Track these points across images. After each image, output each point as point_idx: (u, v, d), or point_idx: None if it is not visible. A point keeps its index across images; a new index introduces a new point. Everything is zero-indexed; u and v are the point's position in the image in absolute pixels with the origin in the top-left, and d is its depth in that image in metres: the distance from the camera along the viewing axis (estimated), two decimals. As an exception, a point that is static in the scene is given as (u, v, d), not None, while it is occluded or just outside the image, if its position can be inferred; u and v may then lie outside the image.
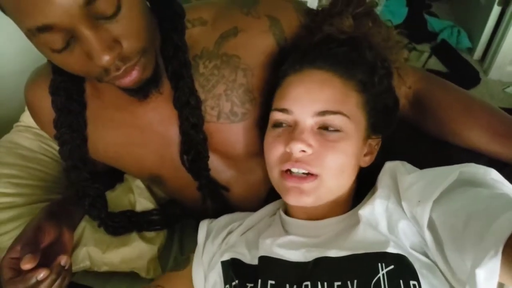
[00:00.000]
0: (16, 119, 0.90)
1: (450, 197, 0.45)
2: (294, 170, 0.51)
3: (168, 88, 0.60)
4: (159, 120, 0.63)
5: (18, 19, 0.42)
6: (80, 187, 0.66)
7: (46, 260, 0.56)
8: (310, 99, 0.51)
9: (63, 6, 0.40)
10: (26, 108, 0.91)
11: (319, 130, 0.51)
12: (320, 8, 0.60)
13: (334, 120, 0.51)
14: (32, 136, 0.84)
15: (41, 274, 0.53)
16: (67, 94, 0.61)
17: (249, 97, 0.61)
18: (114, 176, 0.80)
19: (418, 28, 2.07)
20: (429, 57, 2.01)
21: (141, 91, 0.55)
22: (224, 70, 0.60)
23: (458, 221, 0.42)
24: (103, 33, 0.43)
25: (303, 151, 0.50)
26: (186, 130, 0.61)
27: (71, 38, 0.43)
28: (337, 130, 0.51)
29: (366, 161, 0.56)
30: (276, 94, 0.57)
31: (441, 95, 0.65)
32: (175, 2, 0.59)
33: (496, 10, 1.91)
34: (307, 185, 0.51)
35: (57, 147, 0.84)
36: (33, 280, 0.53)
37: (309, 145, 0.50)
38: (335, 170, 0.51)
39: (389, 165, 0.55)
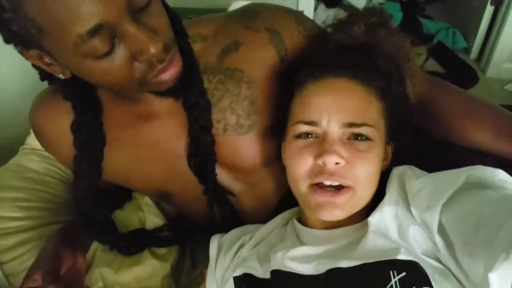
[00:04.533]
0: (20, 141, 0.91)
1: (459, 200, 0.45)
2: (327, 183, 0.50)
3: (174, 101, 0.60)
4: (166, 137, 0.63)
5: (65, 30, 0.41)
6: (88, 216, 0.66)
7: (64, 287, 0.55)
8: (338, 109, 0.50)
9: (111, 2, 0.40)
10: (31, 130, 0.91)
11: (349, 140, 0.51)
12: (334, 22, 0.61)
13: (362, 131, 0.50)
14: (38, 158, 0.84)
15: None
16: (89, 132, 0.61)
17: (254, 109, 0.61)
18: (122, 194, 0.80)
19: (414, 31, 2.10)
20: (427, 59, 2.03)
21: (175, 91, 0.54)
22: (228, 84, 0.60)
23: (468, 225, 0.42)
24: (145, 26, 0.44)
25: (337, 163, 0.49)
26: (194, 132, 0.60)
27: (115, 39, 0.44)
28: (366, 139, 0.51)
29: (385, 166, 0.56)
30: (295, 103, 0.55)
31: (443, 97, 0.66)
32: (167, 7, 0.59)
33: (489, 9, 1.94)
34: (342, 198, 0.50)
35: (64, 169, 0.85)
36: None
37: (342, 157, 0.49)
38: (367, 180, 0.51)
39: (396, 171, 0.55)
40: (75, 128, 0.61)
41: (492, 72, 2.01)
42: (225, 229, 0.68)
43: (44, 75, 0.60)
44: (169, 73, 0.50)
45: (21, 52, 0.47)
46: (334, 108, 0.51)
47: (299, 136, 0.53)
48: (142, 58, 0.45)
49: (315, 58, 0.57)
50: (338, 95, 0.51)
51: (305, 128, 0.52)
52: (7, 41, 0.45)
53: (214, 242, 0.65)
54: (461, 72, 2.00)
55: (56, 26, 0.41)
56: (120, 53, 0.45)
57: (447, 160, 0.64)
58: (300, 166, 0.51)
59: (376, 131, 0.51)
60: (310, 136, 0.52)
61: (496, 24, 1.93)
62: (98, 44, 0.42)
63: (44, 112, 0.65)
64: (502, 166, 0.47)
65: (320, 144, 0.50)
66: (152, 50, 0.44)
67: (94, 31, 0.41)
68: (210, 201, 0.67)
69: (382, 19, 0.56)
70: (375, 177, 0.53)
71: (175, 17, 0.58)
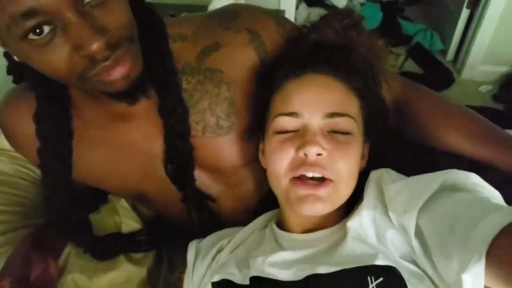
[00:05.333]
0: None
1: (435, 204, 0.45)
2: (309, 174, 0.49)
3: (150, 102, 0.59)
4: (143, 138, 0.62)
5: (1, 10, 0.40)
6: (62, 215, 0.63)
7: None
8: (319, 102, 0.51)
9: None
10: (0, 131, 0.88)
11: (329, 133, 0.51)
12: (308, 24, 0.62)
13: (344, 122, 0.51)
14: (7, 159, 0.81)
15: None
16: (53, 122, 0.58)
17: (233, 110, 0.61)
18: (97, 197, 0.77)
19: (393, 32, 2.14)
20: (405, 59, 2.07)
21: (130, 95, 0.53)
22: (207, 85, 0.60)
23: (443, 228, 0.43)
24: (91, 20, 0.42)
25: (319, 154, 0.49)
26: (170, 140, 0.59)
27: (56, 27, 0.42)
28: (347, 133, 0.51)
29: (362, 165, 0.57)
30: (274, 99, 0.55)
31: (420, 101, 0.67)
32: (155, 13, 0.59)
33: (465, 12, 1.99)
34: (324, 190, 0.49)
35: (36, 170, 0.82)
36: None
37: (324, 148, 0.49)
38: (348, 174, 0.51)
39: (374, 175, 0.55)
40: (38, 118, 0.58)
41: (467, 73, 2.07)
42: (204, 233, 0.67)
43: (10, 70, 0.58)
44: (115, 74, 0.47)
45: None
46: (316, 100, 0.51)
47: (279, 132, 0.53)
48: (81, 53, 0.43)
49: (294, 56, 0.57)
50: (318, 89, 0.52)
51: (285, 120, 0.52)
52: None
53: (192, 248, 0.65)
54: (438, 73, 2.05)
55: None
56: (60, 44, 0.43)
57: (424, 163, 0.66)
58: (281, 159, 0.51)
59: (355, 125, 0.52)
60: (290, 131, 0.52)
61: (472, 27, 1.98)
62: (31, 29, 0.41)
63: (11, 111, 0.63)
64: (476, 169, 0.48)
65: (301, 137, 0.50)
66: (93, 46, 0.42)
67: (27, 15, 0.40)
68: (188, 207, 0.66)
69: (354, 20, 0.57)
70: (355, 173, 0.53)
71: (158, 21, 0.58)
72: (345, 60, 0.55)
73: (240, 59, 0.60)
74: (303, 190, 0.49)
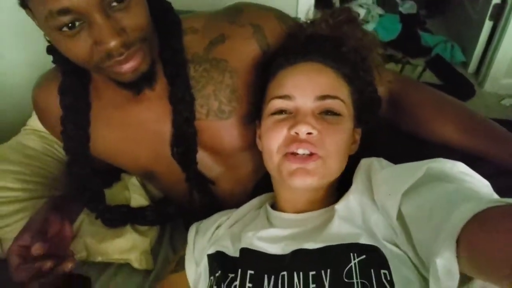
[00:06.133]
0: (23, 123, 0.98)
1: (418, 191, 0.47)
2: (300, 151, 0.53)
3: (163, 88, 0.65)
4: (153, 118, 0.68)
5: (42, 3, 0.48)
6: (81, 181, 0.70)
7: (50, 249, 0.59)
8: (311, 85, 0.55)
9: None
10: (32, 113, 0.98)
11: (320, 115, 0.55)
12: (309, 20, 0.67)
13: (334, 104, 0.55)
14: (37, 138, 0.91)
15: (48, 264, 0.56)
16: (74, 94, 0.66)
17: (235, 96, 0.66)
18: (111, 175, 0.84)
19: (412, 43, 2.13)
20: (423, 70, 2.05)
21: (135, 86, 0.60)
22: (213, 72, 0.66)
23: (423, 214, 0.44)
24: (113, 21, 0.50)
25: (309, 133, 0.52)
26: (178, 124, 0.65)
27: (83, 23, 0.50)
28: (336, 114, 0.55)
29: (353, 149, 0.60)
30: (270, 87, 0.60)
31: (414, 94, 0.70)
32: (172, 11, 0.66)
33: (488, 24, 1.96)
34: (313, 164, 0.52)
35: (59, 149, 0.91)
36: (41, 268, 0.56)
37: (314, 128, 0.53)
38: (336, 152, 0.54)
39: (364, 162, 0.58)
40: (62, 90, 0.66)
41: (489, 86, 2.02)
42: (204, 215, 0.71)
43: (49, 50, 0.66)
44: (125, 67, 0.55)
45: (22, 7, 0.54)
46: (308, 84, 0.55)
47: (274, 113, 0.57)
48: (100, 48, 0.51)
49: (288, 47, 0.62)
50: (309, 74, 0.56)
51: (279, 102, 0.56)
52: None
53: (193, 228, 0.69)
54: (458, 85, 2.02)
55: None
56: (84, 37, 0.51)
57: (416, 153, 0.68)
58: (275, 137, 0.55)
59: (345, 107, 0.56)
60: (284, 112, 0.56)
61: (495, 39, 1.95)
62: (64, 23, 0.49)
63: (41, 89, 0.71)
64: (469, 162, 0.49)
65: (293, 117, 0.55)
66: (111, 44, 0.50)
67: (62, 12, 0.48)
68: (190, 187, 0.72)
69: (348, 17, 0.62)
70: (344, 152, 0.56)
71: (175, 19, 0.65)
72: (335, 50, 0.59)
73: (243, 50, 0.66)
74: (293, 164, 0.53)
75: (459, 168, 0.48)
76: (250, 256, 0.55)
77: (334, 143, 0.54)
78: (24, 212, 0.76)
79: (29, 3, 0.50)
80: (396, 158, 0.57)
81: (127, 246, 0.72)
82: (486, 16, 1.93)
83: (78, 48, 0.51)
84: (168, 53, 0.63)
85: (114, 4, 0.50)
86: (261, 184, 0.73)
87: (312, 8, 1.38)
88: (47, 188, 0.82)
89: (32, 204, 0.77)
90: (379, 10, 2.19)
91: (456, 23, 2.30)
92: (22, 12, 0.54)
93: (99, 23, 0.49)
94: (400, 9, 2.29)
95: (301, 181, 0.53)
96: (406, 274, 0.47)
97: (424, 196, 0.46)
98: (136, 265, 0.74)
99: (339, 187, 0.61)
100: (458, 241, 0.38)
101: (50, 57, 0.67)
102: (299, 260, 0.51)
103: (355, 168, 0.59)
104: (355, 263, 0.47)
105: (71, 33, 0.50)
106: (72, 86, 0.66)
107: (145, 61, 0.57)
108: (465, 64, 2.14)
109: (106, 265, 0.76)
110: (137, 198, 0.78)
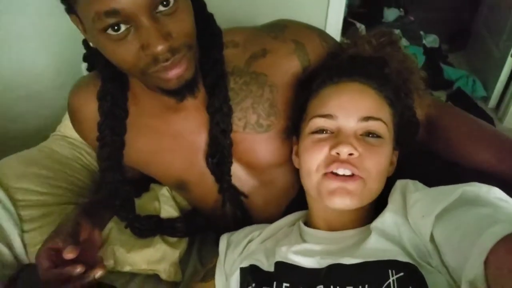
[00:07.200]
0: (48, 129, 0.98)
1: (452, 214, 0.46)
2: (340, 171, 0.52)
3: (201, 98, 0.65)
4: (190, 129, 0.68)
5: (89, 5, 0.48)
6: (113, 188, 0.69)
7: (80, 255, 0.57)
8: (354, 106, 0.55)
9: None
10: (62, 120, 0.98)
11: (362, 136, 0.54)
12: (348, 41, 0.67)
13: (377, 126, 0.54)
14: (67, 144, 0.90)
15: (78, 269, 0.54)
16: (113, 101, 0.66)
17: (273, 111, 0.66)
18: (140, 184, 0.83)
19: (435, 75, 2.14)
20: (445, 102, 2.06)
21: (179, 93, 0.59)
22: (252, 86, 0.65)
23: (455, 237, 0.44)
24: (160, 26, 0.50)
25: (350, 154, 0.52)
26: (215, 134, 0.65)
27: (130, 27, 0.49)
28: (378, 136, 0.54)
29: (390, 171, 0.59)
30: (311, 104, 0.60)
31: (451, 118, 0.70)
32: (214, 22, 0.66)
33: (510, 61, 1.98)
34: (353, 184, 0.52)
35: (88, 157, 0.91)
36: (71, 273, 0.54)
37: (356, 149, 0.52)
38: (377, 174, 0.54)
39: (399, 183, 0.58)
40: (101, 96, 0.66)
41: (509, 122, 2.02)
42: (235, 228, 0.70)
43: (86, 57, 0.66)
44: (171, 73, 0.54)
45: (68, 14, 0.54)
46: (352, 104, 0.55)
47: (315, 132, 0.56)
48: (147, 52, 0.50)
49: (332, 65, 0.62)
50: (353, 94, 0.56)
51: (321, 121, 0.56)
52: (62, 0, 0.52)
53: (224, 239, 0.68)
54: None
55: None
56: (132, 41, 0.50)
57: (450, 177, 0.66)
58: (315, 156, 0.54)
59: (387, 130, 0.55)
60: (325, 132, 0.55)
61: (516, 75, 1.96)
62: (109, 25, 0.48)
63: (79, 94, 0.71)
64: (505, 188, 0.49)
65: (335, 137, 0.54)
66: (158, 48, 0.49)
67: (109, 13, 0.47)
68: (223, 199, 0.70)
69: (391, 39, 0.62)
70: (383, 173, 0.55)
71: (216, 31, 0.65)
72: (379, 71, 0.59)
73: (283, 66, 0.65)
74: (334, 183, 0.52)
75: (495, 194, 0.48)
76: (285, 270, 0.54)
77: (374, 165, 0.53)
78: (50, 217, 0.75)
79: (76, 7, 0.50)
80: (430, 180, 0.57)
81: (157, 257, 0.70)
82: (509, 53, 1.95)
83: (126, 52, 0.51)
84: (208, 63, 0.63)
85: (161, 8, 0.49)
86: (296, 201, 0.72)
87: (340, 34, 1.40)
88: (74, 195, 0.81)
89: (59, 210, 0.76)
90: (404, 42, 2.22)
91: (477, 58, 2.32)
92: (48, 19, 0.54)
93: (146, 26, 0.48)
94: (424, 42, 2.32)
95: (341, 200, 0.52)
96: None
97: (457, 218, 0.45)
98: (164, 276, 0.72)
99: (374, 208, 0.60)
100: (486, 262, 0.38)
101: (76, 64, 0.67)
102: (336, 274, 0.50)
103: (390, 190, 0.58)
104: (393, 280, 0.46)
105: (117, 37, 0.49)
106: (111, 92, 0.66)
107: (189, 68, 0.56)
108: (486, 99, 2.15)
109: (132, 276, 0.74)
110: (168, 209, 0.76)
